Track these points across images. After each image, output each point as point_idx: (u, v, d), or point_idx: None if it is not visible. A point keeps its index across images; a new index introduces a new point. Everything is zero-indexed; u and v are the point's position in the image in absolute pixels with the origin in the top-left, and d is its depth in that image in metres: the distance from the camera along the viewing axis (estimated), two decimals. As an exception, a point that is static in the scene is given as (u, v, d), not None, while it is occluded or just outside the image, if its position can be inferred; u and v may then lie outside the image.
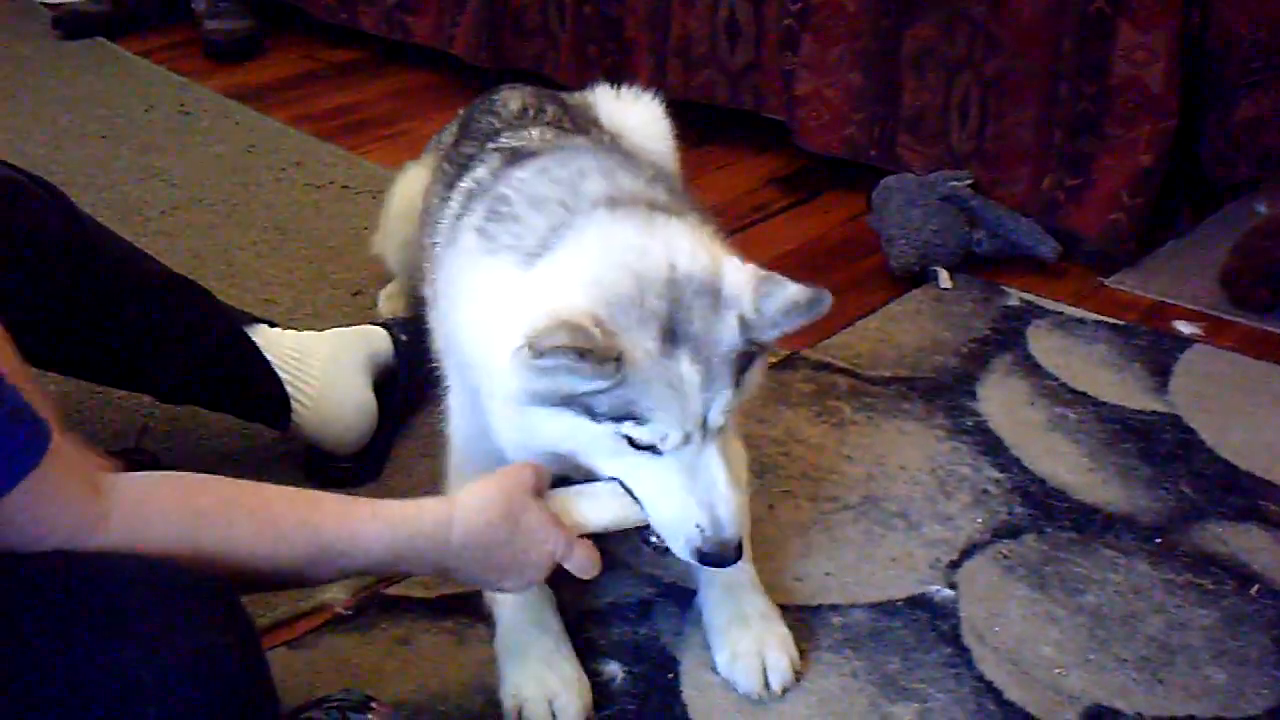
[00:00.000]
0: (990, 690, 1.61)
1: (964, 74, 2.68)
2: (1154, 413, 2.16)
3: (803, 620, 1.71)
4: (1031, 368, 2.28)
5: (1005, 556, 1.84)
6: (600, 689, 1.60)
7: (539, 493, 1.46)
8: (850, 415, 2.15)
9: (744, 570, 1.70)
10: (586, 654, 1.64)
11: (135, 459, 1.85)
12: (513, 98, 2.03)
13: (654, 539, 1.51)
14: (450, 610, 1.73)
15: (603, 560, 1.49)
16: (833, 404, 2.18)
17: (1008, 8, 2.57)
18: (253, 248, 2.70)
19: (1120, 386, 2.23)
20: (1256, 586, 1.78)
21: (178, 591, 1.19)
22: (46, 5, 4.16)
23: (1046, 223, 2.59)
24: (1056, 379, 2.25)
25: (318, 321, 2.21)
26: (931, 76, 2.73)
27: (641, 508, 1.48)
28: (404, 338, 2.12)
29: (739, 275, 1.47)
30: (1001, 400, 2.19)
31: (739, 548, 1.47)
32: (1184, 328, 2.41)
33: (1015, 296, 2.51)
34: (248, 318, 2.04)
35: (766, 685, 1.60)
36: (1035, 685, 1.62)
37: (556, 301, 1.40)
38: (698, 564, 1.49)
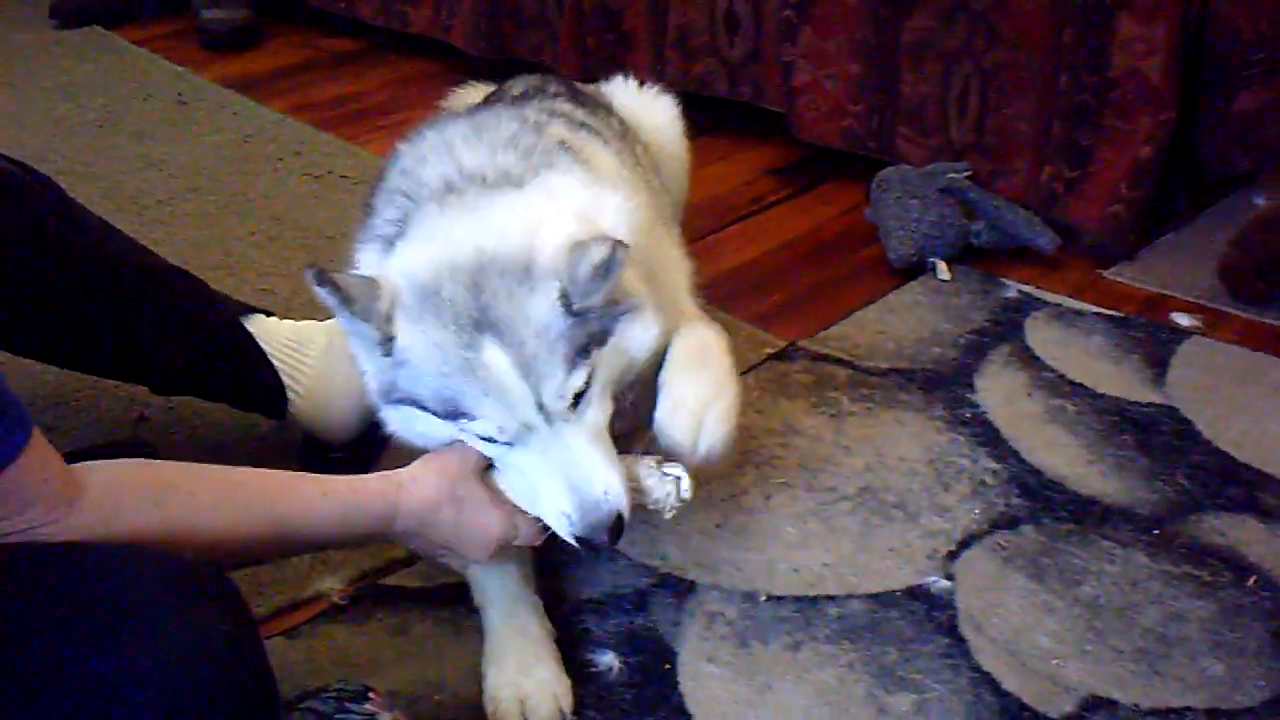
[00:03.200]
0: (987, 681, 1.61)
1: (963, 65, 2.68)
2: (1152, 404, 2.15)
3: (800, 611, 1.71)
4: (1029, 359, 2.28)
5: (1003, 547, 1.84)
6: (596, 680, 1.60)
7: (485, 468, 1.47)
8: (848, 406, 2.15)
9: (717, 345, 1.63)
10: (582, 644, 1.64)
11: (131, 449, 1.85)
12: (520, 82, 2.04)
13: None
14: (447, 600, 1.73)
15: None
16: (831, 395, 2.18)
17: (1008, -1, 2.57)
18: (250, 238, 2.69)
19: (1118, 378, 2.22)
20: (1253, 578, 1.78)
21: (173, 579, 1.19)
22: (43, -7, 4.15)
23: (1045, 214, 2.59)
24: (1054, 370, 2.24)
25: (315, 311, 2.19)
26: (930, 68, 2.72)
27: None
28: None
29: (552, 246, 1.39)
30: (1000, 392, 2.19)
31: (618, 525, 1.39)
32: (1182, 320, 2.40)
33: (1013, 288, 2.51)
34: (245, 307, 2.04)
35: (696, 445, 1.50)
36: (1032, 676, 1.62)
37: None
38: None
